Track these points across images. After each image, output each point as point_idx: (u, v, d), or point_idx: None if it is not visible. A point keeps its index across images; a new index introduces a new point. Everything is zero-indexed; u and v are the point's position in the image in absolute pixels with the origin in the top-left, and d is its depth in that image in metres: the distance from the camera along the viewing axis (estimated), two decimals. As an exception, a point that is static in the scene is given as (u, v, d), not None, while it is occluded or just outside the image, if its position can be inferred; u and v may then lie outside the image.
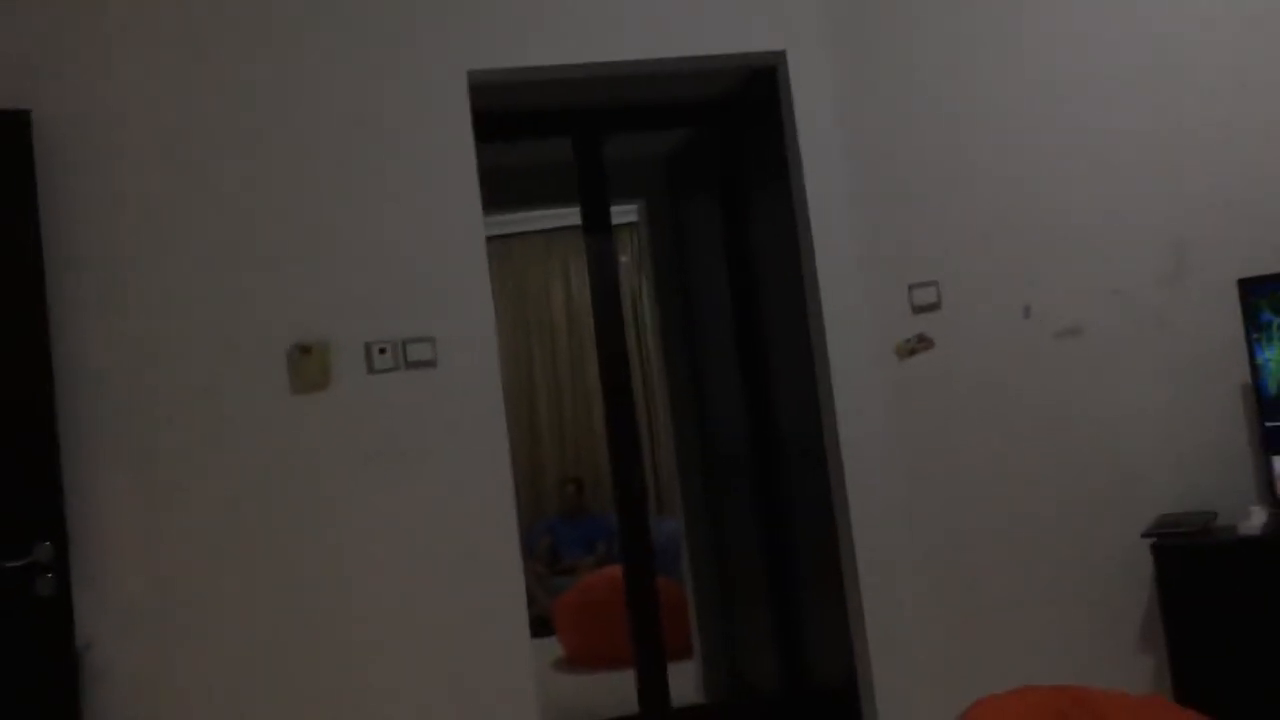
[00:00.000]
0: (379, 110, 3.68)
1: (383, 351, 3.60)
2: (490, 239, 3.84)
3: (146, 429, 3.45)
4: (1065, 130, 3.90)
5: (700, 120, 5.01)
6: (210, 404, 3.49)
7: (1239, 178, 3.83)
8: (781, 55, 4.01)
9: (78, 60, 3.51)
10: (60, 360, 3.36)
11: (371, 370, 3.60)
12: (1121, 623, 3.80)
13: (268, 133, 3.60)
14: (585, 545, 8.01)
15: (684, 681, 5.39)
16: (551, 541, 8.10)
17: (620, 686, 5.18)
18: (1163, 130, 3.87)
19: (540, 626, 6.73)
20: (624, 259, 8.23)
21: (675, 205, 5.53)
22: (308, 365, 3.54)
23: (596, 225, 4.96)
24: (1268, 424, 3.60)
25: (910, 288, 3.93)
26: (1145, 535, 3.62)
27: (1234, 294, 3.69)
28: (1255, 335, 3.61)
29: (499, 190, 4.11)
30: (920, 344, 3.93)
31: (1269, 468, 3.59)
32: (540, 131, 4.90)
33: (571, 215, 5.24)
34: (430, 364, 3.63)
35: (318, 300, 3.59)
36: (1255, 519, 3.54)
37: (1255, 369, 3.61)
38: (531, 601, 6.00)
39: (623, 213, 6.54)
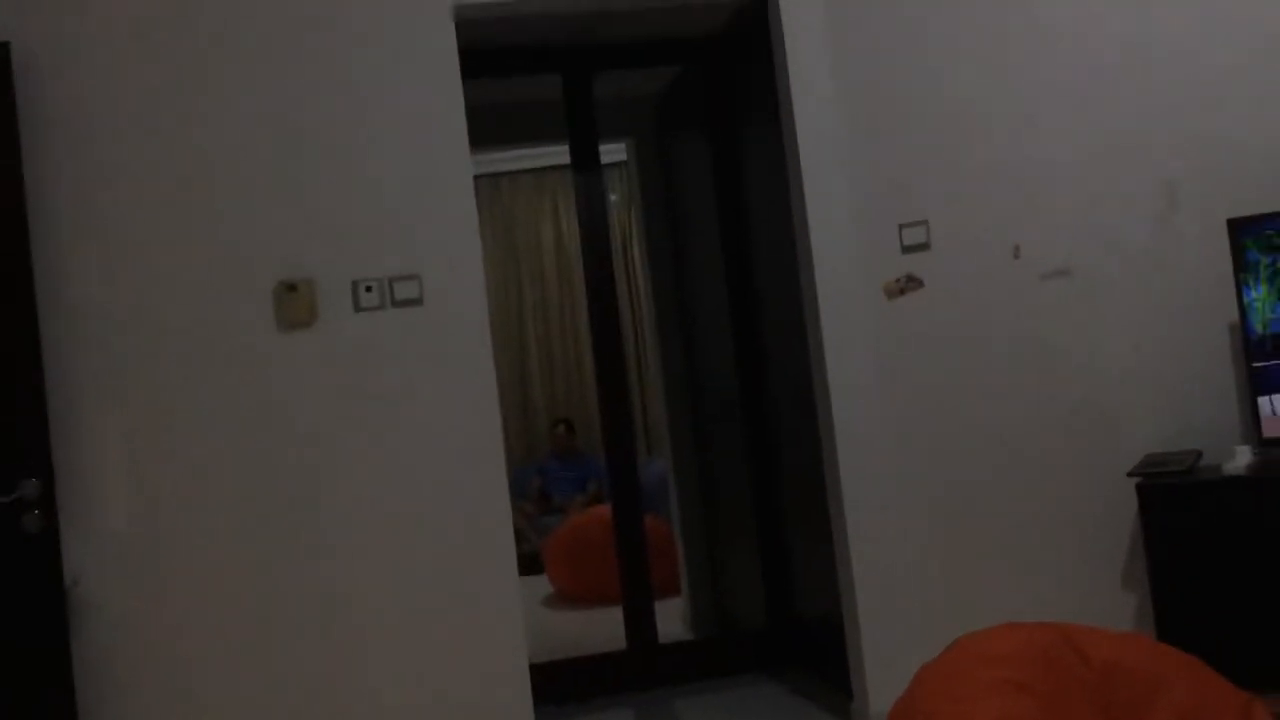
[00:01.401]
0: (365, 46, 3.63)
1: (369, 289, 3.58)
2: (479, 177, 3.81)
3: (133, 365, 3.43)
4: (1057, 69, 3.87)
5: (690, 57, 4.96)
6: (196, 340, 3.48)
7: (1230, 118, 3.81)
8: (772, -10, 3.96)
9: (57, -8, 3.46)
10: (45, 298, 3.34)
11: (358, 308, 3.58)
12: (1105, 560, 3.83)
13: (253, 68, 3.56)
14: (576, 486, 8.05)
15: (671, 618, 5.44)
16: (542, 482, 8.13)
17: (609, 623, 5.23)
18: (1154, 70, 3.84)
19: (530, 564, 6.79)
20: (614, 198, 8.18)
21: (665, 144, 5.49)
22: (294, 302, 3.52)
23: (586, 164, 4.92)
24: (1254, 364, 3.61)
25: (900, 227, 3.91)
26: (1131, 474, 3.64)
27: (1223, 234, 3.69)
28: (1243, 275, 3.61)
29: (487, 128, 4.07)
30: (910, 284, 3.92)
31: (1255, 408, 3.60)
32: (529, 68, 4.84)
33: (561, 154, 5.20)
34: (417, 302, 3.61)
35: (304, 238, 3.56)
36: (1240, 459, 3.56)
37: (1243, 309, 3.62)
38: (521, 540, 6.05)
39: (612, 152, 6.49)
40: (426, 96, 3.67)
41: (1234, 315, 3.71)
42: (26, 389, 3.23)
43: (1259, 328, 3.60)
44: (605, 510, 5.79)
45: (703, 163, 5.02)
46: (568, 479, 8.10)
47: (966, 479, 3.88)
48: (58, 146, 3.42)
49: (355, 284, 3.58)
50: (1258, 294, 3.60)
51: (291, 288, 3.53)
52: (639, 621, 4.87)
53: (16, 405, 3.22)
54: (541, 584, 6.78)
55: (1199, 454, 3.69)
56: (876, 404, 3.90)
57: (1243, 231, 3.61)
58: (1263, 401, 3.59)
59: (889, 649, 3.84)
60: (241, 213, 3.53)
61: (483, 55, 4.09)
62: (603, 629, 5.37)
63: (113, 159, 3.47)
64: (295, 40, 3.59)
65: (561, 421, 8.32)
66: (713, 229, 4.97)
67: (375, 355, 3.58)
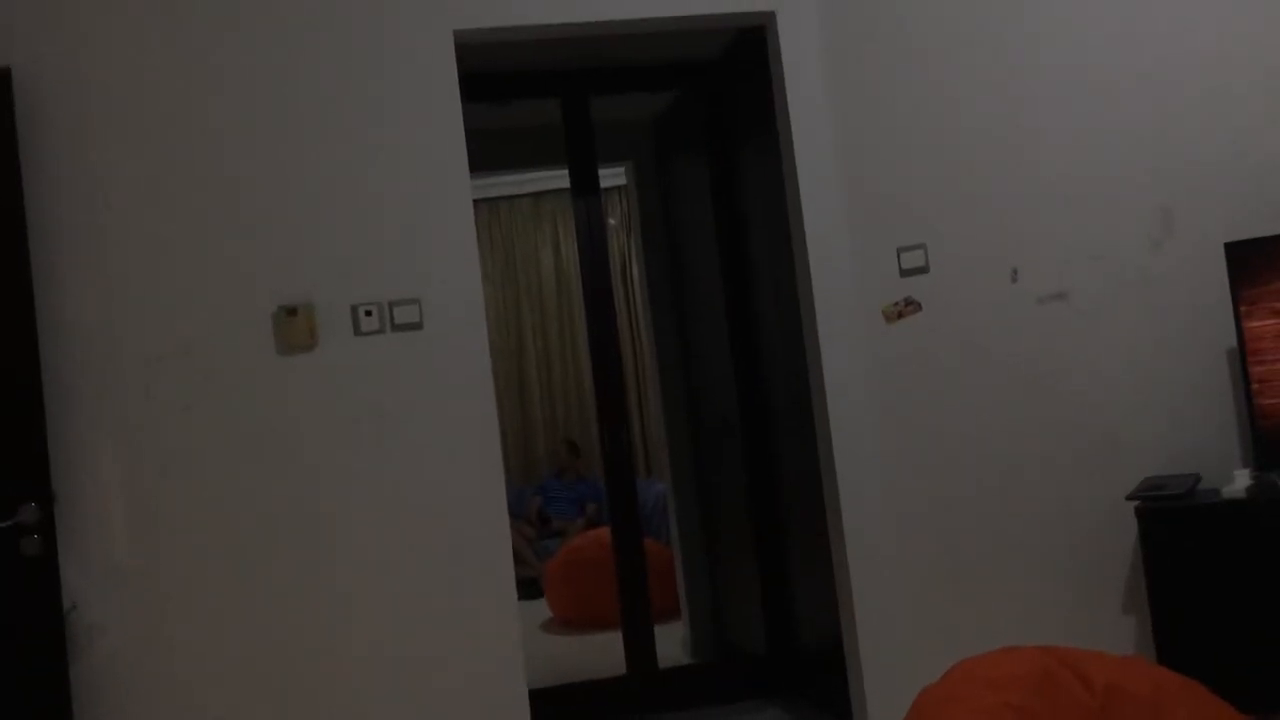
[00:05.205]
0: (366, 70, 3.64)
1: (369, 314, 3.58)
2: (478, 201, 3.82)
3: (132, 390, 3.43)
4: (1055, 93, 3.89)
5: (689, 81, 4.98)
6: (196, 365, 3.48)
7: (1226, 141, 3.83)
8: (771, 15, 3.98)
9: (60, 18, 3.47)
10: (45, 322, 3.34)
11: (358, 332, 3.58)
12: (1105, 584, 3.82)
13: (254, 94, 3.57)
14: (576, 506, 8.05)
15: (671, 643, 5.42)
16: (541, 502, 8.12)
17: (608, 648, 5.21)
18: (1151, 94, 3.86)
19: (529, 589, 6.78)
20: (613, 221, 8.21)
21: (664, 167, 5.50)
22: (293, 327, 3.53)
23: (585, 187, 4.93)
24: (1252, 387, 3.61)
25: (898, 250, 3.92)
26: (1130, 498, 3.64)
27: (1220, 257, 3.70)
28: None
29: (487, 152, 4.08)
30: (908, 307, 3.93)
31: (1253, 431, 3.60)
32: (528, 92, 4.86)
33: (560, 178, 5.22)
34: (417, 326, 3.62)
35: (304, 262, 3.57)
36: (1239, 482, 3.56)
37: (1240, 333, 3.62)
38: (521, 564, 6.02)
39: (612, 175, 6.52)
40: (426, 120, 3.68)
41: (1232, 339, 3.71)
42: (26, 412, 3.23)
43: (1257, 351, 3.60)
44: (604, 533, 5.78)
45: (701, 186, 5.04)
46: (567, 499, 8.10)
47: (966, 502, 3.88)
48: (58, 170, 3.43)
49: (355, 308, 3.59)
50: (1255, 317, 3.60)
51: (291, 312, 3.53)
52: (639, 646, 4.86)
53: (15, 428, 3.22)
54: (541, 609, 6.77)
55: (1198, 477, 3.69)
56: (875, 427, 3.90)
57: (1241, 254, 3.62)
58: (1261, 425, 3.58)
59: (889, 674, 3.82)
60: (241, 237, 3.54)
61: (482, 80, 4.11)
62: (602, 654, 5.35)
63: (113, 184, 3.47)
64: (295, 65, 3.60)
65: (566, 441, 8.34)
66: (711, 252, 4.98)
67: (375, 379, 3.58)
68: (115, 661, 3.36)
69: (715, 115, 4.92)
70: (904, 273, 3.92)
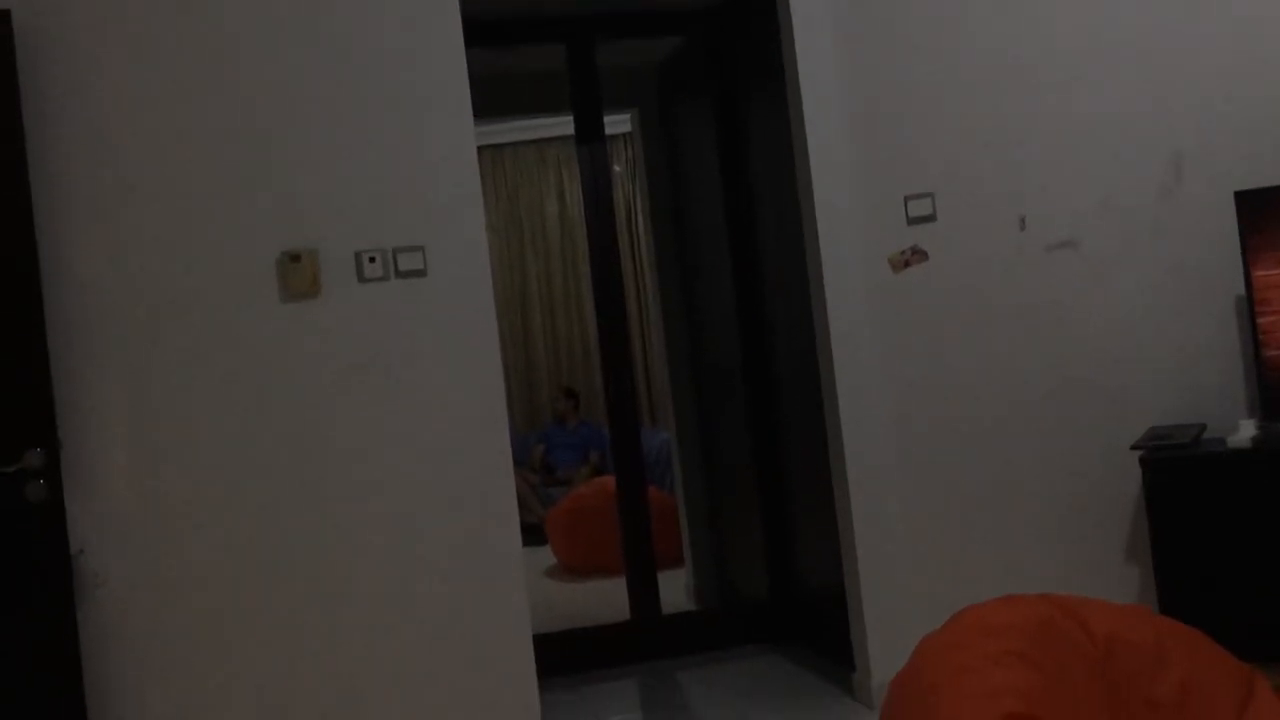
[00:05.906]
0: (368, 15, 3.60)
1: (373, 260, 3.57)
2: (482, 148, 3.79)
3: (137, 335, 3.43)
4: (1064, 40, 3.85)
5: (695, 25, 4.93)
6: (200, 311, 3.47)
7: (1237, 89, 3.79)
8: (778, -41, 3.94)
9: (58, -40, 3.43)
10: (49, 267, 3.32)
11: (362, 279, 3.57)
12: (1109, 533, 3.84)
13: (256, 39, 3.53)
14: (579, 453, 8.07)
15: (675, 589, 5.45)
16: (544, 449, 8.15)
17: (612, 594, 5.25)
18: (1161, 40, 3.81)
19: (533, 535, 6.81)
20: (618, 168, 8.16)
21: (669, 114, 5.46)
22: (297, 273, 3.51)
23: (590, 134, 4.90)
24: (1260, 337, 3.60)
25: (906, 199, 3.90)
26: (1135, 447, 3.64)
27: (1230, 206, 3.67)
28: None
29: (490, 98, 4.05)
30: (915, 256, 3.91)
31: (1260, 381, 3.59)
32: (532, 37, 4.82)
33: (565, 124, 5.18)
34: (421, 273, 3.60)
35: (307, 209, 3.55)
36: (1244, 432, 3.56)
37: (1249, 282, 3.60)
38: (525, 509, 6.05)
39: (617, 122, 6.48)
40: (430, 66, 3.64)
41: (1240, 288, 3.69)
42: (30, 358, 3.22)
43: (1265, 301, 3.58)
44: (608, 480, 5.80)
45: (707, 133, 5.00)
46: (570, 445, 8.12)
47: (970, 450, 3.88)
48: (60, 116, 3.40)
49: (359, 255, 3.57)
50: (1264, 267, 3.58)
51: (295, 258, 3.52)
52: (642, 593, 4.89)
53: (20, 374, 3.22)
54: (545, 555, 6.81)
55: (1203, 427, 3.69)
56: (880, 376, 3.90)
57: (1251, 203, 3.59)
58: (1268, 375, 3.57)
59: (891, 621, 3.84)
60: (245, 182, 3.51)
61: (486, 25, 4.06)
62: (606, 600, 5.39)
63: (115, 129, 3.45)
64: (299, 9, 3.56)
65: (563, 389, 8.36)
66: (717, 199, 4.96)
67: (379, 325, 3.57)
68: (123, 605, 3.38)
69: (721, 60, 4.87)
70: (911, 221, 3.90)
